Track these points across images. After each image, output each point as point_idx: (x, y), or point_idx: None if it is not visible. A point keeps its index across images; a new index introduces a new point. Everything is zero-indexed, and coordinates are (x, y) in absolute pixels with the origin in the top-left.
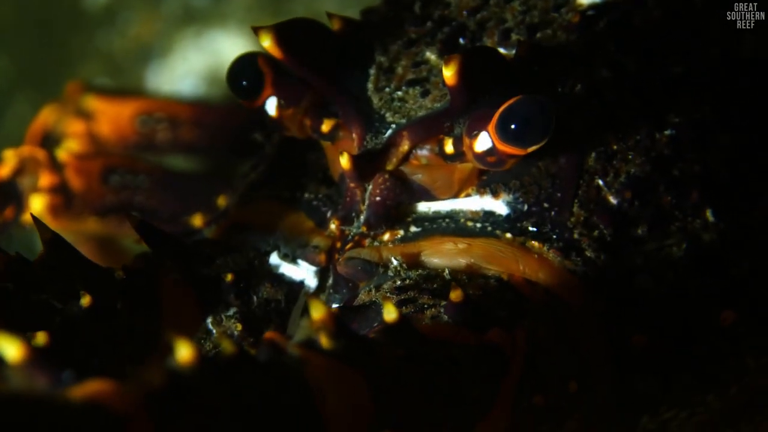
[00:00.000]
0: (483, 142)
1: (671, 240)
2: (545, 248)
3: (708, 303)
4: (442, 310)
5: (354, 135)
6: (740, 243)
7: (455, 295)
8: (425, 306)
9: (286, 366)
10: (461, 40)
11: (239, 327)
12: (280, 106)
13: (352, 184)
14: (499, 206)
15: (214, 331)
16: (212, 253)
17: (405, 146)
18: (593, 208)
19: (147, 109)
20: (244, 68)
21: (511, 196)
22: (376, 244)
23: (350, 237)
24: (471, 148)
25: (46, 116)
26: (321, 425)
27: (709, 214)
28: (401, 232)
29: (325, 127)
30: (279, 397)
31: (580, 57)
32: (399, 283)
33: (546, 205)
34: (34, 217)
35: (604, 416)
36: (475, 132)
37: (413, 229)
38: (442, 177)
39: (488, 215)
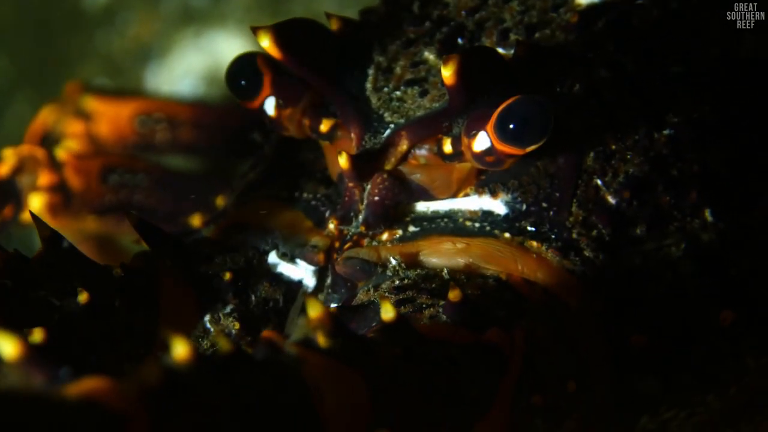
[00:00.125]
0: (481, 141)
1: (670, 240)
2: (544, 248)
3: (707, 303)
4: (440, 310)
5: (353, 135)
6: (739, 243)
7: (454, 294)
8: (424, 306)
9: (284, 364)
10: (460, 40)
11: (237, 326)
12: (278, 106)
13: (350, 184)
14: (497, 206)
15: (212, 329)
16: (211, 252)
17: (403, 146)
18: (592, 208)
19: (146, 110)
20: (243, 68)
21: (509, 195)
22: (374, 243)
23: (349, 237)
24: (469, 147)
25: (46, 116)
26: (318, 424)
27: (707, 214)
28: (400, 232)
29: (324, 127)
30: (276, 395)
31: (579, 57)
32: (397, 282)
33: (544, 204)
34: (33, 215)
35: (602, 416)
36: (473, 132)
37: (412, 228)
38: (441, 177)
39: (487, 215)
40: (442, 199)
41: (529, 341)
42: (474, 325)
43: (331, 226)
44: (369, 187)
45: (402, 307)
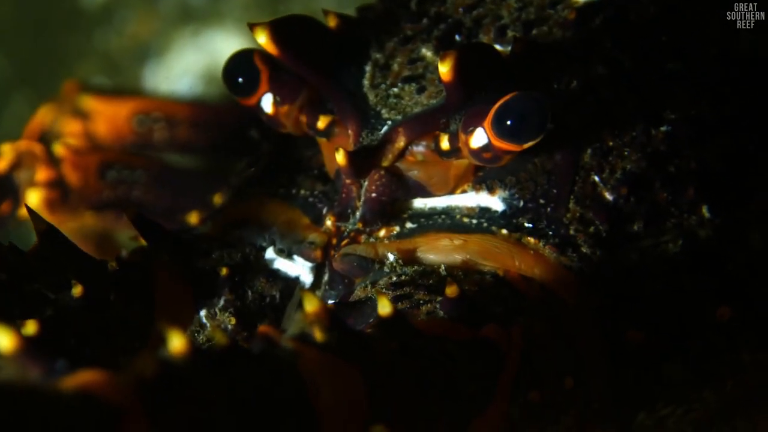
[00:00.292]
0: (479, 138)
1: (667, 236)
2: (541, 244)
3: (704, 299)
4: (437, 306)
5: (350, 131)
6: (736, 239)
7: (451, 290)
8: (421, 302)
9: (280, 358)
10: (457, 37)
11: (233, 321)
12: (276, 103)
13: (347, 181)
14: (494, 202)
15: (208, 324)
16: (208, 247)
17: (401, 142)
18: (589, 205)
19: (144, 109)
20: (240, 65)
21: (506, 192)
22: (371, 240)
23: (346, 233)
24: (467, 144)
25: (43, 115)
26: (314, 418)
27: (705, 210)
28: (397, 229)
29: (321, 123)
30: (272, 389)
31: (576, 54)
32: (395, 279)
33: (542, 201)
34: (29, 209)
35: (600, 412)
36: (470, 128)
37: (409, 225)
38: (438, 173)
39: (484, 211)
40: (439, 195)
41: (527, 337)
42: (471, 321)
43: (329, 222)
44: (366, 183)
45: (399, 303)
